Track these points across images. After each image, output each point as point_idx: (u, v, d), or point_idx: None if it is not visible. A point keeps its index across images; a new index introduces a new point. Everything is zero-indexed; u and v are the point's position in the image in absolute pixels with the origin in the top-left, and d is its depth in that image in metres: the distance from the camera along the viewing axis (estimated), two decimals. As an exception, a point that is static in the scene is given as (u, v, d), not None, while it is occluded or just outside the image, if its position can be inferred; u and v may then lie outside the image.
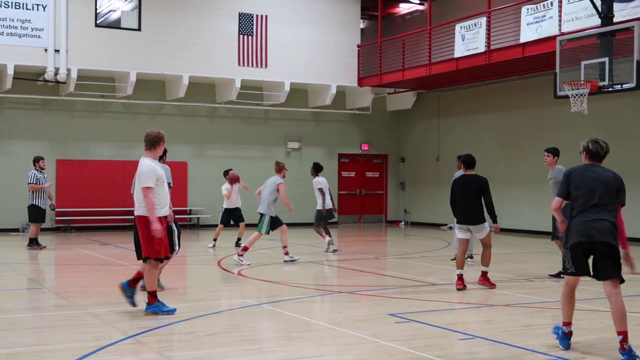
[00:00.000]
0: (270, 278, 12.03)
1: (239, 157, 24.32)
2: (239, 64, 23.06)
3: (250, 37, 23.18)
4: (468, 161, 10.92)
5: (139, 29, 21.92)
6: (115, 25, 21.75)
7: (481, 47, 19.83)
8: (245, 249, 13.77)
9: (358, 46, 24.87)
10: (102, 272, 12.94)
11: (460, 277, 10.54)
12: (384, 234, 23.45)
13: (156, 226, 8.30)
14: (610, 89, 14.46)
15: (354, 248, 18.15)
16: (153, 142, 8.58)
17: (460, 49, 20.55)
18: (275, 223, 14.00)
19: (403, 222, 26.73)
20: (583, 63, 14.78)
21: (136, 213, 8.56)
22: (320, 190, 16.39)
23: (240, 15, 23.08)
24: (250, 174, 23.99)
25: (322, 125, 26.07)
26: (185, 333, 7.66)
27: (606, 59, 14.36)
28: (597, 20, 15.25)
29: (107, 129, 22.93)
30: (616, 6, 15.20)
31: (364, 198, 27.29)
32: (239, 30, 23.04)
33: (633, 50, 13.91)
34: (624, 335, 6.39)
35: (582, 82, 14.53)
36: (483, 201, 10.62)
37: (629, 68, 14.12)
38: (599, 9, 14.89)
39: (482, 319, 8.59)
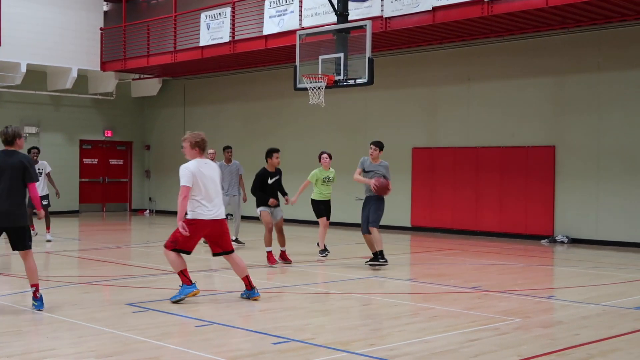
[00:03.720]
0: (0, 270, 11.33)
1: (-32, 142, 22.53)
2: (-32, 41, 21.36)
3: (-19, 12, 21.51)
4: None
5: None
6: None
7: (226, 37, 20.08)
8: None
9: (101, 29, 24.08)
10: None
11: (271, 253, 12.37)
12: (128, 223, 22.99)
13: None
14: (345, 83, 15.26)
15: (95, 237, 17.62)
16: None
17: (206, 38, 20.65)
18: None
19: (148, 211, 26.37)
20: (321, 57, 15.45)
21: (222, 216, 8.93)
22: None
23: (-31, -12, 21.36)
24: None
25: (62, 109, 24.94)
26: None
27: (341, 55, 15.12)
28: (334, 17, 16.03)
29: None
30: (351, 5, 16.10)
31: (107, 186, 26.53)
32: (-32, 5, 21.32)
33: (365, 47, 14.81)
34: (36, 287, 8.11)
35: (319, 76, 15.19)
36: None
37: (363, 64, 15.00)
38: (336, 6, 15.65)
39: (221, 306, 8.73)
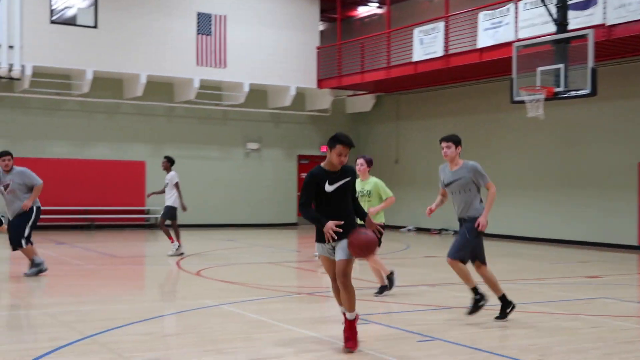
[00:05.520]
0: (229, 279, 11.97)
1: (197, 157, 24.19)
2: (198, 64, 22.96)
3: (208, 37, 23.08)
4: None
5: (96, 26, 21.69)
6: (71, 22, 21.48)
7: (439, 52, 20.04)
8: None
9: (317, 48, 24.93)
10: (57, 272, 12.71)
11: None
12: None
13: None
14: (565, 95, 14.71)
15: (312, 249, 18.14)
16: None
17: (419, 53, 20.73)
18: None
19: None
20: (539, 69, 15.02)
21: None
22: (177, 185, 15.47)
23: (198, 15, 23.00)
24: (209, 174, 24.08)
25: (281, 126, 26.07)
26: (142, 334, 7.59)
27: (561, 66, 14.61)
28: (552, 27, 15.51)
29: (62, 127, 22.61)
30: (571, 14, 15.48)
31: (321, 200, 27.27)
32: (198, 30, 22.95)
33: (587, 57, 14.18)
34: None
35: (538, 88, 14.75)
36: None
37: (584, 74, 14.38)
38: (554, 16, 15.13)
39: (443, 321, 8.64)
